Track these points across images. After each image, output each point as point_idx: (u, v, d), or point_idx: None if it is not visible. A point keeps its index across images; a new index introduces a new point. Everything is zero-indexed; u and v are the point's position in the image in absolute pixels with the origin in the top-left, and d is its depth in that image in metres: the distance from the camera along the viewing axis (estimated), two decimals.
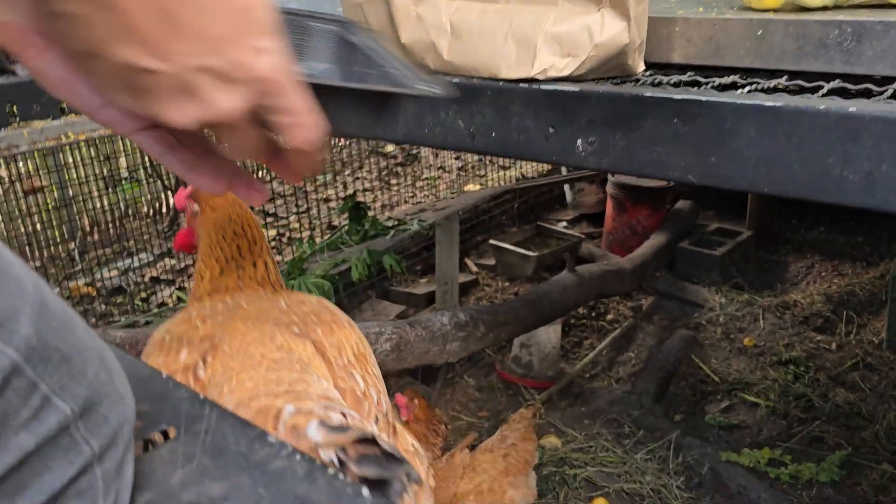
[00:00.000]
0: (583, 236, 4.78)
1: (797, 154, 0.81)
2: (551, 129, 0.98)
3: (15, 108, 1.52)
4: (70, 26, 0.44)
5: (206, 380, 1.00)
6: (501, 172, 5.90)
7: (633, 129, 0.94)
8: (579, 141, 0.97)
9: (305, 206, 4.73)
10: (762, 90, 0.96)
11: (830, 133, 0.80)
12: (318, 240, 4.08)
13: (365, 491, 0.64)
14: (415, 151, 6.62)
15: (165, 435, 0.79)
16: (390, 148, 6.66)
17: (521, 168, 5.94)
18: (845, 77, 0.94)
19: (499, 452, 2.27)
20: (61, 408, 0.51)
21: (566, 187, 5.45)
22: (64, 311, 0.54)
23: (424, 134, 1.13)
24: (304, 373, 0.96)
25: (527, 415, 2.51)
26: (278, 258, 3.94)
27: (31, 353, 0.48)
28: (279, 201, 5.12)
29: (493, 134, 1.06)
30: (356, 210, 3.46)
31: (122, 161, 4.34)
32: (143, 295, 4.19)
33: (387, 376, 3.29)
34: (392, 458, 0.75)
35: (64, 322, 0.53)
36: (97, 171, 3.92)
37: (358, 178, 5.91)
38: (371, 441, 0.77)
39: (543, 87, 1.01)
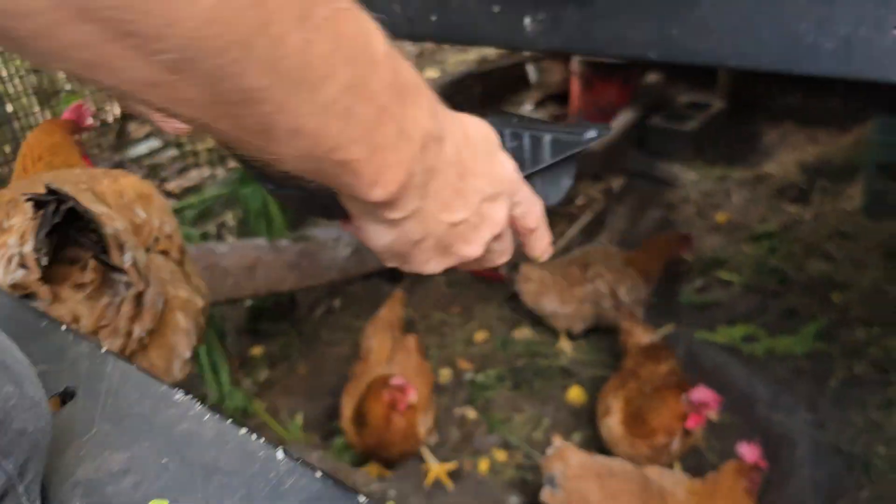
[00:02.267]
0: (549, 119, 4.60)
1: (766, 21, 0.70)
2: (496, 8, 0.82)
3: None
4: (412, 224, 0.58)
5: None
6: (461, 56, 5.60)
7: (587, 2, 0.80)
8: (527, 19, 0.81)
9: None
10: None
11: None
12: None
13: (280, 453, 0.59)
14: None
15: (67, 396, 0.72)
16: None
17: (481, 50, 5.64)
18: None
19: None
20: None
21: (530, 67, 5.19)
22: None
23: None
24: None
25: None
26: (232, 165, 3.72)
27: None
28: None
29: (433, 17, 0.89)
30: None
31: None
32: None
33: (351, 280, 3.18)
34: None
35: None
36: (35, 84, 3.59)
37: None
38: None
39: None
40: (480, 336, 3.01)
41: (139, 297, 0.99)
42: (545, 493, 1.99)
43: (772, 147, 4.25)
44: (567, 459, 2.00)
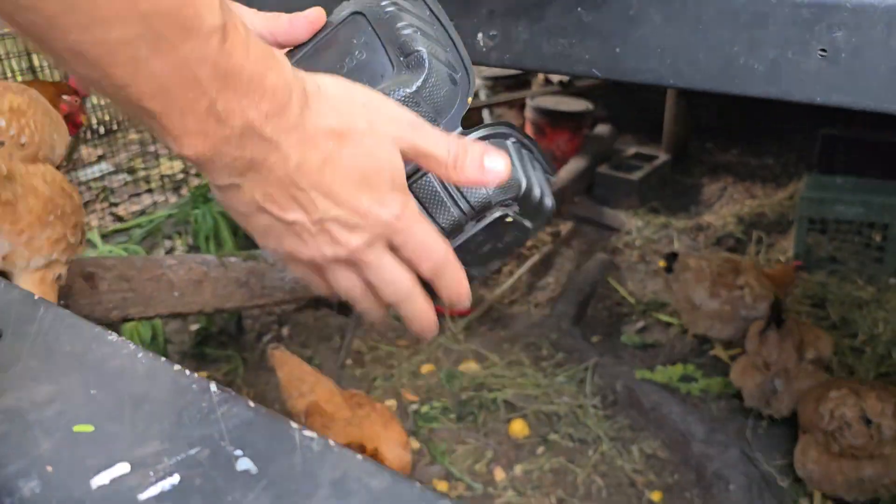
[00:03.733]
0: None
1: (703, 42, 0.76)
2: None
3: None
4: (233, 196, 0.58)
5: None
6: None
7: (537, 19, 0.86)
8: (480, 35, 0.88)
9: None
10: None
11: (737, 18, 0.76)
12: None
13: (213, 385, 0.61)
14: None
15: None
16: None
17: None
18: None
19: None
20: None
21: (485, 113, 5.35)
22: None
23: None
24: None
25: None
26: (186, 192, 3.72)
27: None
28: None
29: None
30: None
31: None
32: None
33: (301, 308, 3.16)
34: None
35: None
36: (22, 66, 3.53)
37: None
38: None
39: None
40: (426, 368, 3.04)
41: None
42: None
43: (712, 199, 4.44)
44: None
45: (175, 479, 0.51)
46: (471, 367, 3.04)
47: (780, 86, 0.73)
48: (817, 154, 4.21)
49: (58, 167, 1.46)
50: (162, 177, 4.14)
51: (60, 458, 0.52)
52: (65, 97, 1.68)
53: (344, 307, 3.42)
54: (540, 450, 2.63)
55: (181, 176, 4.35)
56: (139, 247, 2.63)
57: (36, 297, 0.71)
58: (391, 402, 2.85)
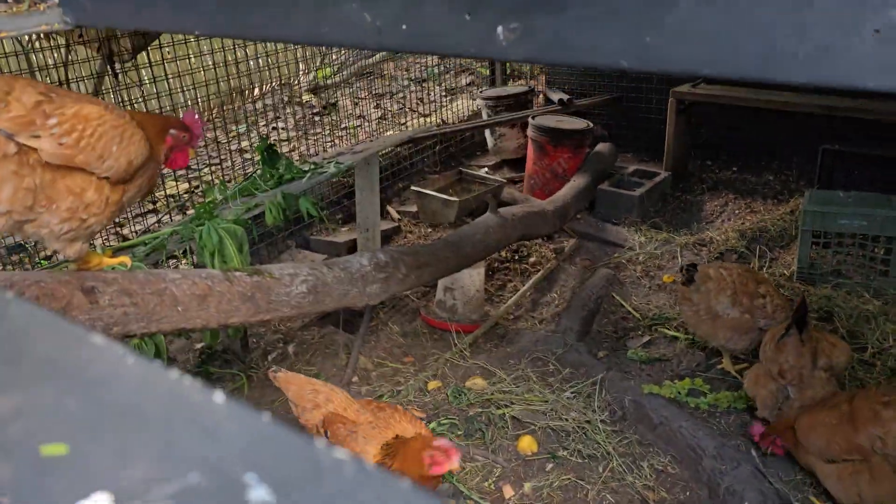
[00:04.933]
0: (504, 181, 4.74)
1: (742, 27, 0.71)
2: (467, 16, 0.88)
3: None
4: None
5: None
6: (422, 120, 5.77)
7: (561, 8, 0.83)
8: (500, 28, 0.87)
9: (219, 158, 4.48)
10: None
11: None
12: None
13: (218, 395, 0.49)
14: (333, 101, 6.39)
15: None
16: (307, 97, 6.40)
17: (442, 113, 5.82)
18: None
19: None
20: None
21: (487, 132, 5.38)
22: None
23: (323, 32, 1.01)
24: None
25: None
26: (191, 212, 3.72)
27: None
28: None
29: (403, 27, 0.94)
30: (270, 153, 3.26)
31: None
32: (46, 252, 3.89)
33: (307, 326, 3.15)
34: None
35: None
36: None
37: (275, 129, 5.65)
38: None
39: None
40: (433, 385, 3.01)
41: None
42: None
43: (713, 215, 4.45)
44: None
45: None
46: (478, 383, 3.02)
47: (827, 71, 0.66)
48: (818, 169, 4.23)
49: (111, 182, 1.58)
50: (167, 196, 4.14)
51: (23, 487, 0.41)
52: (172, 131, 1.70)
53: (350, 325, 3.40)
54: (549, 466, 2.60)
55: (186, 196, 4.34)
56: (142, 264, 2.62)
57: (8, 296, 0.62)
58: None
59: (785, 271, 3.70)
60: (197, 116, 1.75)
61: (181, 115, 1.76)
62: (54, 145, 1.43)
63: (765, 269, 3.76)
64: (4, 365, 0.49)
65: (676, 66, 0.75)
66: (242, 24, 1.12)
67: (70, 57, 3.28)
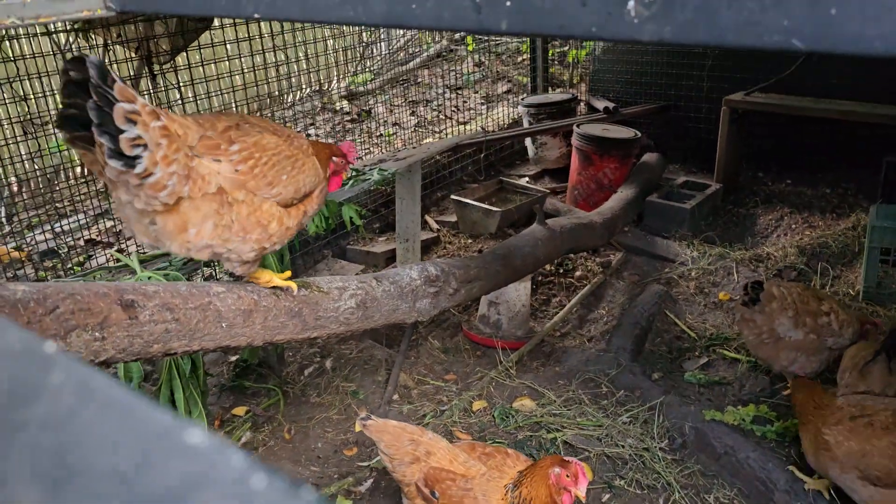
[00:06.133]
0: (547, 191, 4.58)
1: None
2: None
3: None
4: None
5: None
6: (460, 128, 5.63)
7: None
8: (631, 3, 0.71)
9: None
10: None
11: None
12: None
13: (238, 456, 0.32)
14: (367, 108, 6.28)
15: None
16: (342, 104, 6.31)
17: (481, 121, 5.68)
18: None
19: None
20: None
21: (528, 141, 5.22)
22: None
23: (411, 11, 0.86)
24: None
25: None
26: None
27: None
28: None
29: (507, 3, 0.78)
30: None
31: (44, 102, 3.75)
32: (80, 258, 3.81)
33: (345, 340, 3.00)
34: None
35: None
36: (12, 114, 3.44)
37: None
38: None
39: None
40: (478, 405, 2.85)
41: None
42: None
43: (768, 229, 4.24)
44: None
45: None
46: (525, 404, 2.85)
47: None
48: (882, 182, 4.00)
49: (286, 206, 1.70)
50: None
51: None
52: (335, 158, 1.91)
53: (391, 340, 3.26)
54: (605, 497, 2.43)
55: None
56: (179, 273, 2.50)
57: None
58: None
59: (850, 290, 3.48)
60: (352, 146, 1.96)
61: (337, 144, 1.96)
62: (231, 170, 1.55)
63: (827, 287, 3.54)
64: None
65: (869, 45, 0.58)
66: (308, 4, 0.98)
67: (108, 57, 3.19)
